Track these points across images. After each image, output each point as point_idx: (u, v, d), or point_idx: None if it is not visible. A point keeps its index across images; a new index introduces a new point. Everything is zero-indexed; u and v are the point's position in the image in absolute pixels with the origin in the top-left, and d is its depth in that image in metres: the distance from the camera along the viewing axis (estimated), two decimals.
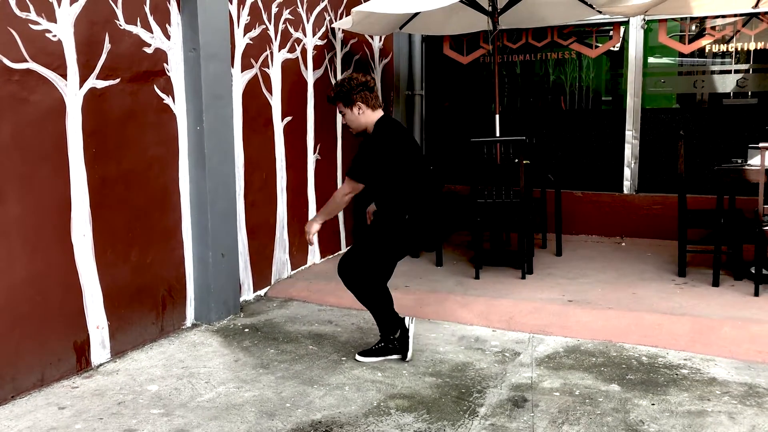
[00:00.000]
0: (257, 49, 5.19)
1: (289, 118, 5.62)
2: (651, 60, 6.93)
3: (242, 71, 5.04)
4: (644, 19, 6.69)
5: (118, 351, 4.12)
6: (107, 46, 3.95)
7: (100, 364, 3.99)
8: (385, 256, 3.93)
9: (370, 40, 6.88)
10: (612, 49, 7.09)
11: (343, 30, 6.22)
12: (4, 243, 3.43)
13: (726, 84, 6.70)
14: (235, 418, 3.32)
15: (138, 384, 3.73)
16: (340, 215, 6.48)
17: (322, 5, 5.99)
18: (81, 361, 3.89)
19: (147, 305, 4.33)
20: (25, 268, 3.54)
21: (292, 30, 5.59)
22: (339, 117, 6.30)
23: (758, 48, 6.45)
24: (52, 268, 3.69)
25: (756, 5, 5.61)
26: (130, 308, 4.20)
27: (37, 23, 3.53)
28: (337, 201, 3.89)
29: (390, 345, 4.00)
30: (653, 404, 3.41)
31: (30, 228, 3.56)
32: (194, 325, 4.67)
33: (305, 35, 5.78)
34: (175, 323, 4.57)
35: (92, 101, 3.87)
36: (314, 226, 3.93)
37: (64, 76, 3.70)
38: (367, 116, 3.88)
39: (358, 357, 4.03)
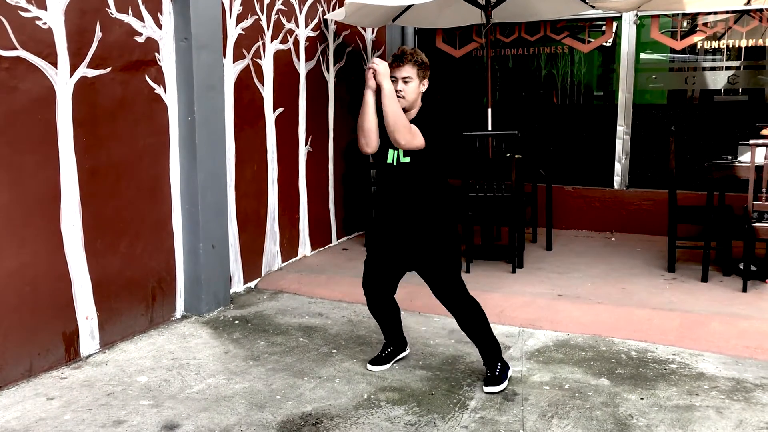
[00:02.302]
0: (249, 39, 5.16)
1: (280, 110, 5.59)
2: (643, 56, 6.94)
3: (234, 62, 5.01)
4: (637, 15, 6.70)
5: (107, 342, 4.10)
6: (98, 34, 3.91)
7: (89, 355, 3.97)
8: (459, 251, 3.63)
9: (362, 32, 6.86)
10: (604, 44, 7.10)
11: (335, 21, 6.20)
12: None
13: (717, 81, 6.72)
14: (225, 409, 3.32)
15: (127, 375, 3.72)
16: (332, 207, 6.47)
17: None
18: (70, 352, 3.86)
19: (137, 296, 4.31)
20: (13, 257, 3.51)
21: (284, 21, 5.56)
22: (332, 106, 6.29)
23: (749, 45, 6.47)
24: (40, 258, 3.66)
25: (748, 2, 5.63)
26: (120, 299, 4.18)
27: (27, 10, 3.49)
28: (400, 123, 3.32)
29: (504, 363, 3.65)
30: (642, 398, 3.43)
31: (19, 218, 3.53)
32: (184, 317, 4.65)
33: (298, 26, 5.75)
34: (165, 314, 4.55)
35: (82, 90, 3.84)
36: (381, 70, 3.34)
37: (54, 64, 3.66)
38: (419, 98, 3.52)
39: (486, 389, 3.53)
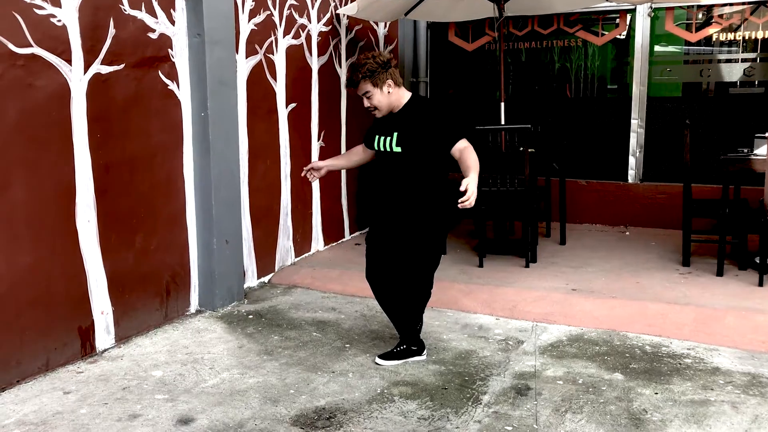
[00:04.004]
0: (262, 35, 5.17)
1: (293, 105, 5.60)
2: (657, 48, 6.88)
3: (247, 57, 5.02)
4: (651, 7, 6.64)
5: (122, 337, 4.13)
6: (111, 31, 3.93)
7: (105, 350, 4.01)
8: (444, 238, 3.82)
9: (375, 26, 6.85)
10: (618, 37, 7.05)
11: (348, 16, 6.19)
12: (9, 228, 3.44)
13: (733, 73, 6.65)
14: (239, 404, 3.34)
15: (142, 369, 3.75)
16: (344, 202, 6.48)
17: None
18: (86, 347, 3.90)
19: (151, 291, 4.34)
20: (29, 253, 3.55)
21: (296, 16, 5.57)
22: (344, 102, 6.30)
23: (766, 37, 6.40)
24: (56, 254, 3.69)
25: None
26: (135, 294, 4.21)
27: (41, 8, 3.52)
28: (476, 159, 3.45)
29: (414, 349, 3.85)
30: (656, 393, 3.41)
31: (35, 214, 3.56)
32: (198, 312, 4.68)
33: (310, 21, 5.75)
34: (180, 309, 4.58)
35: (97, 87, 3.86)
36: (473, 190, 3.29)
37: (68, 61, 3.68)
38: (397, 95, 3.54)
39: (378, 360, 3.80)
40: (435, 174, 3.58)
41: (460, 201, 3.25)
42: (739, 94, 6.69)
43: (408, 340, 3.82)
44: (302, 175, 3.93)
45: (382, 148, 3.59)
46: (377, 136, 3.62)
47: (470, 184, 3.27)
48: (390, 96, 3.53)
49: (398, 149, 3.52)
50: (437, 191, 3.59)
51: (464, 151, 3.49)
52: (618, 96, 7.20)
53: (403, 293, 3.72)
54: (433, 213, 3.60)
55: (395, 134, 3.53)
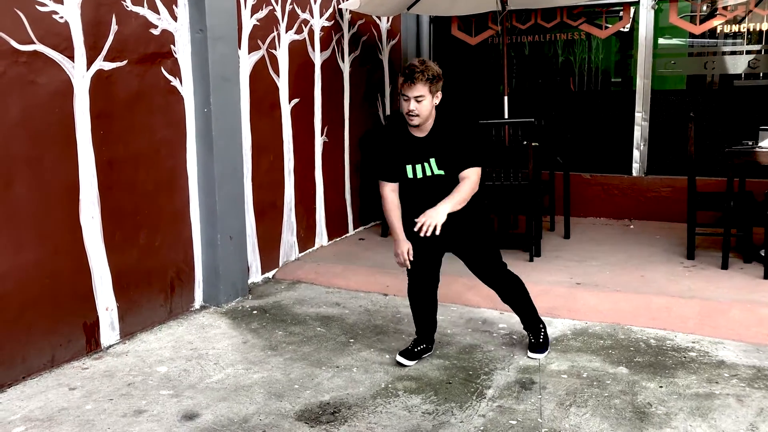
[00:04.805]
0: (264, 30, 5.16)
1: (296, 100, 5.60)
2: (661, 41, 6.85)
3: (249, 53, 5.01)
4: (655, 0, 6.61)
5: (127, 333, 4.14)
6: (114, 27, 3.93)
7: (110, 346, 4.02)
8: (495, 236, 3.84)
9: (377, 21, 6.83)
10: (622, 29, 7.02)
11: (350, 11, 6.18)
12: (14, 226, 3.45)
13: (737, 65, 6.62)
14: (244, 399, 3.34)
15: (147, 365, 3.76)
16: (348, 197, 6.48)
17: None
18: (91, 343, 3.91)
19: (156, 287, 4.35)
20: (34, 250, 3.56)
21: (299, 11, 5.56)
22: (347, 97, 6.29)
23: None
24: (61, 251, 3.70)
25: None
26: (139, 290, 4.22)
27: (44, 4, 3.52)
28: (467, 196, 3.40)
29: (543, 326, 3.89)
30: (661, 387, 3.41)
31: (39, 211, 3.57)
32: (203, 307, 4.69)
33: (312, 16, 5.74)
34: (184, 305, 4.59)
35: (99, 83, 3.86)
36: (442, 218, 3.30)
37: (71, 57, 3.69)
38: (434, 110, 3.45)
39: (532, 354, 3.80)
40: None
41: (415, 228, 3.27)
42: (744, 86, 6.66)
43: (535, 323, 3.85)
44: (407, 265, 3.59)
45: (420, 175, 3.46)
46: (409, 166, 3.46)
47: (433, 211, 3.28)
48: (432, 107, 3.41)
49: (441, 172, 3.44)
50: (479, 199, 3.60)
51: (469, 176, 3.44)
52: (622, 89, 7.18)
53: (505, 287, 3.77)
54: (483, 215, 3.67)
55: (432, 159, 3.43)
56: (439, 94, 3.43)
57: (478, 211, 3.58)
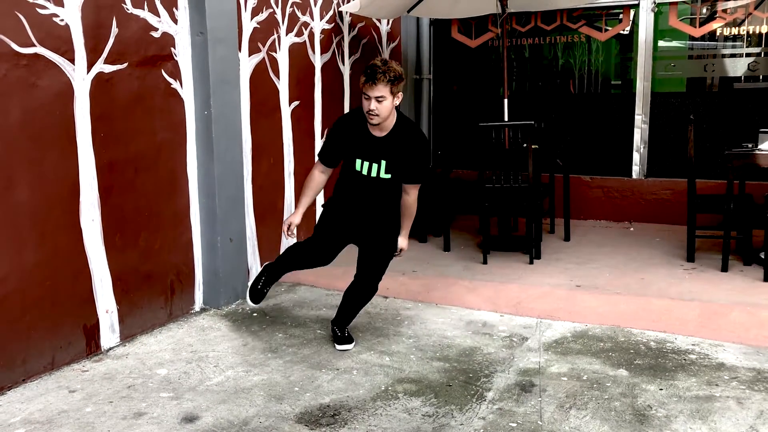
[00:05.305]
0: (264, 33, 5.17)
1: (296, 103, 5.60)
2: (661, 43, 6.86)
3: (249, 55, 5.02)
4: (655, 2, 6.63)
5: (127, 335, 4.14)
6: (114, 30, 3.94)
7: (110, 348, 4.02)
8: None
9: (377, 23, 6.84)
10: (622, 32, 7.03)
11: (350, 13, 6.19)
12: (14, 228, 3.45)
13: (737, 68, 6.63)
14: (244, 401, 3.34)
15: (147, 368, 3.76)
16: None
17: None
18: (91, 345, 3.91)
19: (156, 290, 4.35)
20: (34, 252, 3.56)
21: (299, 14, 5.56)
22: (347, 100, 6.29)
23: None
24: (61, 253, 3.70)
25: None
26: (139, 293, 4.22)
27: (44, 7, 3.52)
28: (413, 212, 3.81)
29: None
30: (661, 389, 3.41)
31: (39, 213, 3.57)
32: (203, 310, 4.69)
33: (313, 19, 5.75)
34: (184, 308, 4.59)
35: (100, 86, 3.87)
36: (405, 243, 3.88)
37: (71, 60, 3.69)
38: (395, 112, 3.56)
39: (338, 347, 3.99)
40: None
41: (396, 254, 3.84)
42: (744, 89, 6.66)
43: (341, 326, 4.06)
44: (286, 236, 3.91)
45: (366, 173, 3.65)
46: (359, 160, 3.64)
47: (405, 242, 3.86)
48: (392, 109, 3.51)
49: (387, 176, 3.63)
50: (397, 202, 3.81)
51: (413, 194, 3.73)
52: (622, 92, 7.19)
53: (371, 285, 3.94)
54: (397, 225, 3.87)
55: (384, 162, 3.58)
56: (401, 95, 3.52)
57: (396, 220, 3.81)
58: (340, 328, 4.04)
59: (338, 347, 3.96)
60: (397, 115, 3.61)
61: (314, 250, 3.97)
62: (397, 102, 3.52)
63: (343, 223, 3.86)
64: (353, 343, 4.00)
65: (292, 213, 3.80)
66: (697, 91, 6.90)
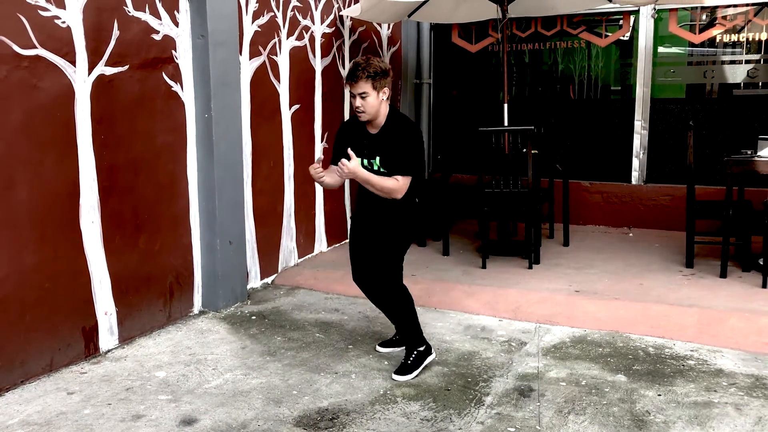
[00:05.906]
0: (265, 36, 5.17)
1: (296, 106, 5.61)
2: (661, 50, 6.88)
3: (250, 59, 5.03)
4: (655, 9, 6.63)
5: (126, 337, 4.14)
6: (116, 32, 3.95)
7: (109, 350, 4.01)
8: (404, 250, 3.74)
9: (378, 28, 6.85)
10: (622, 38, 7.04)
11: (351, 18, 6.20)
12: (14, 229, 3.45)
13: (736, 74, 6.64)
14: (243, 404, 3.34)
15: (146, 370, 3.75)
16: (347, 203, 6.48)
17: None
18: (89, 347, 3.91)
19: (155, 292, 4.34)
20: (34, 254, 3.56)
21: (300, 17, 5.58)
22: (347, 104, 6.30)
23: None
24: (60, 255, 3.70)
25: None
26: (138, 295, 4.22)
27: (46, 9, 3.53)
28: (386, 191, 3.49)
29: (423, 350, 3.78)
30: (660, 395, 3.41)
31: (39, 214, 3.57)
32: (202, 312, 4.69)
33: (313, 23, 5.76)
34: (183, 310, 4.59)
35: (101, 88, 3.87)
36: (356, 172, 3.45)
37: (73, 62, 3.70)
38: (384, 107, 3.54)
39: (395, 377, 3.66)
40: (409, 188, 3.62)
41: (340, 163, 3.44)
42: (743, 95, 6.68)
43: (411, 343, 3.75)
44: (314, 170, 3.62)
45: (367, 167, 3.62)
46: (359, 159, 3.57)
47: (354, 167, 3.42)
48: (380, 104, 3.51)
49: (384, 170, 3.58)
50: (406, 206, 3.63)
51: (396, 179, 3.50)
52: (621, 97, 7.20)
53: (383, 294, 3.73)
54: (400, 225, 3.66)
55: (378, 158, 3.57)
56: (386, 90, 3.51)
57: (396, 220, 3.63)
58: (407, 349, 3.78)
59: (393, 376, 3.69)
60: (391, 111, 3.61)
61: (352, 268, 3.83)
62: (383, 97, 3.51)
63: (355, 232, 3.81)
64: (407, 376, 3.65)
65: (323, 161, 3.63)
66: (697, 98, 6.91)
